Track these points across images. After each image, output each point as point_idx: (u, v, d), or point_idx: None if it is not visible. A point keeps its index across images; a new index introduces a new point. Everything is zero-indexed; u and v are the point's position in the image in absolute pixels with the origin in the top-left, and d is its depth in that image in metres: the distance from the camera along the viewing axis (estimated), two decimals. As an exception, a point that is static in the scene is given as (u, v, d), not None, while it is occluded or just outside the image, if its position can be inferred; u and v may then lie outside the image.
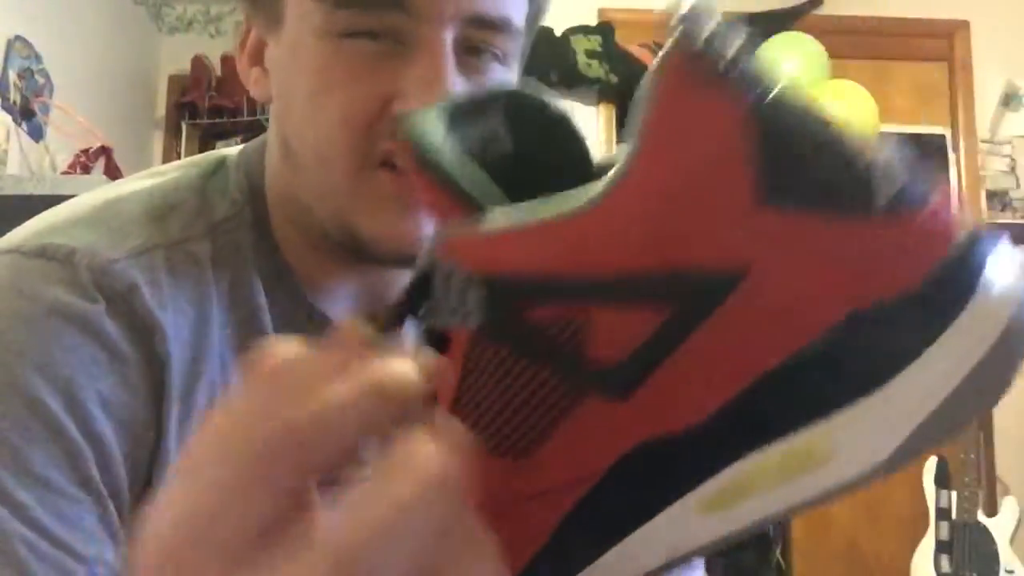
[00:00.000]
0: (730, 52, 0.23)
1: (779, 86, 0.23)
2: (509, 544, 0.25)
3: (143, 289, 0.51)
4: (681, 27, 0.23)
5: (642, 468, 0.25)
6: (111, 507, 0.47)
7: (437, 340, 0.27)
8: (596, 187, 0.24)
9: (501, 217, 0.26)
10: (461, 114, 0.29)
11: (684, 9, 0.24)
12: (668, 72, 0.24)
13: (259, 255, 0.57)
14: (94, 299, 0.49)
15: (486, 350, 0.26)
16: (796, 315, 0.23)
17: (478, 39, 0.52)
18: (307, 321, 0.58)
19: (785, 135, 0.22)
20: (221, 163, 0.60)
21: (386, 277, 0.61)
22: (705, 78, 0.23)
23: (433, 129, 0.27)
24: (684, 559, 0.25)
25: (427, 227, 0.53)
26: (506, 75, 0.55)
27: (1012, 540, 2.39)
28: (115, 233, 0.52)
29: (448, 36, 0.50)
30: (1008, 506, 2.44)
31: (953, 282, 0.22)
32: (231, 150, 0.62)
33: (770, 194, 0.22)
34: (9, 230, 0.55)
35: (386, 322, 0.27)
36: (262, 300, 0.57)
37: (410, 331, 0.28)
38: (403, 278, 0.62)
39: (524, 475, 0.26)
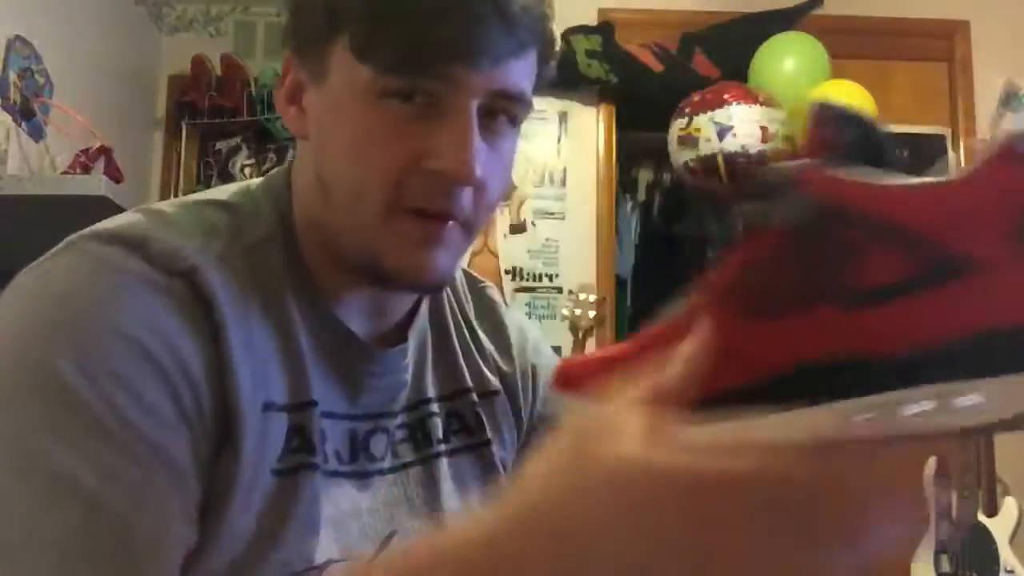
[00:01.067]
0: None
1: None
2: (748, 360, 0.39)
3: (203, 271, 0.58)
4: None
5: (852, 373, 0.36)
6: (199, 440, 0.55)
7: (747, 230, 0.41)
8: (922, 180, 0.37)
9: (851, 173, 0.39)
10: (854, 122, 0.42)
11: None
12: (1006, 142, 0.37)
13: (290, 273, 0.65)
14: (170, 274, 0.57)
15: (791, 244, 0.39)
16: (990, 313, 0.34)
17: (498, 107, 0.61)
18: (330, 330, 0.66)
19: None
20: (246, 191, 0.68)
21: (394, 296, 0.70)
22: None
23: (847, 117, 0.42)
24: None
25: (442, 263, 0.63)
26: (514, 135, 0.65)
27: (1012, 540, 2.39)
28: (173, 234, 0.60)
29: (475, 104, 0.59)
30: (1008, 506, 2.44)
31: None
32: (253, 182, 0.70)
33: None
34: (9, 230, 0.56)
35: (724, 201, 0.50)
36: (294, 312, 0.64)
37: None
38: (407, 298, 0.73)
39: (765, 330, 0.39)
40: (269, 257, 0.64)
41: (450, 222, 0.61)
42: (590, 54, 2.80)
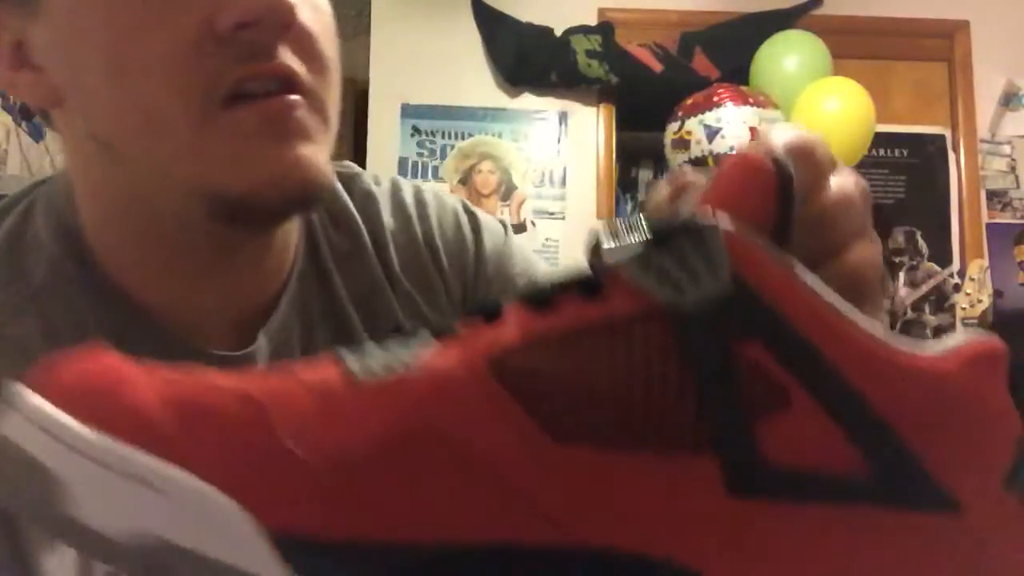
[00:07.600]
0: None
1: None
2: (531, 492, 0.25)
3: (10, 325, 0.50)
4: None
5: None
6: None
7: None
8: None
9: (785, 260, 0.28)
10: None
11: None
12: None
13: (97, 305, 0.52)
14: None
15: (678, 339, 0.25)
16: None
17: None
18: (157, 346, 0.47)
19: None
20: (25, 214, 0.56)
21: (255, 278, 0.55)
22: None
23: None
24: None
25: (305, 154, 0.45)
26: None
27: (1012, 540, 2.39)
28: None
29: None
30: (1008, 506, 2.44)
31: None
32: (38, 194, 0.58)
33: None
34: (8, 230, 0.54)
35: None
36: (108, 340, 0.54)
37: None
38: (268, 282, 0.56)
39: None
40: (64, 294, 0.52)
41: (291, 96, 0.45)
42: (590, 54, 2.80)
